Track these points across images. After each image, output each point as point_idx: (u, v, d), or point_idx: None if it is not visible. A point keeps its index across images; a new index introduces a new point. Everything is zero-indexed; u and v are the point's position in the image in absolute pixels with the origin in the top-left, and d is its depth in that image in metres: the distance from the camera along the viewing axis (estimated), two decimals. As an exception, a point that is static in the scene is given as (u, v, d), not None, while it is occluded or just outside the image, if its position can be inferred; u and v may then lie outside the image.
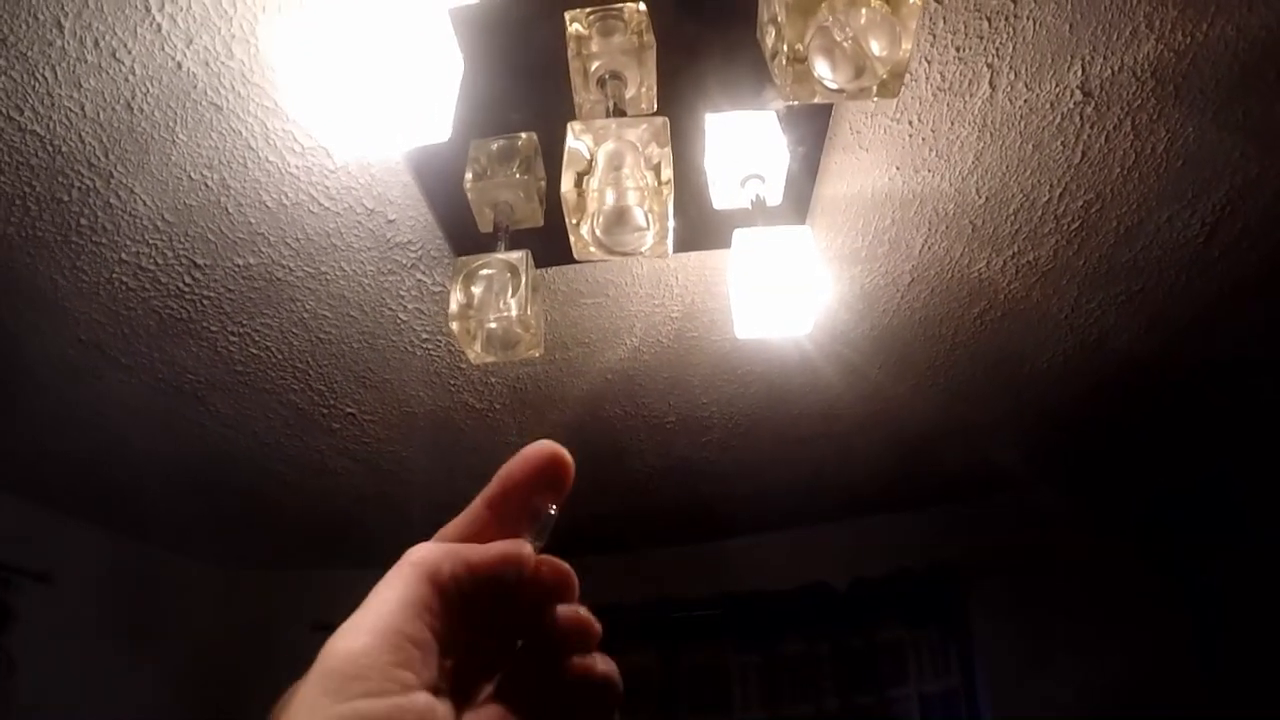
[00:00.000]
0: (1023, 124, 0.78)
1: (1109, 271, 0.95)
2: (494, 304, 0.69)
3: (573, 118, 0.67)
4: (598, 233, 0.58)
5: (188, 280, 0.89)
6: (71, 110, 0.70)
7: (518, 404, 1.18)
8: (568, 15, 0.66)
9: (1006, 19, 0.69)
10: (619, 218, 0.57)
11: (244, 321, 0.96)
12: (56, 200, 0.77)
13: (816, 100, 0.51)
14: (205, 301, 0.92)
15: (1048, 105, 0.76)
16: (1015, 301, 0.99)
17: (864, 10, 0.50)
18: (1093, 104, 0.77)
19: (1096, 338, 1.06)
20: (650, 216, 0.57)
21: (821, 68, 0.52)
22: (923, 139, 0.79)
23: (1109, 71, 0.74)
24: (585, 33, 0.66)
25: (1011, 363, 1.11)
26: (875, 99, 0.51)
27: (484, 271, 0.70)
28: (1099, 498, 1.54)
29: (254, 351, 1.00)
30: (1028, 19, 0.70)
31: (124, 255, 0.85)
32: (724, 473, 1.41)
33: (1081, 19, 0.70)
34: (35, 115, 0.70)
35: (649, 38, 0.64)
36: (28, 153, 0.73)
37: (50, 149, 0.73)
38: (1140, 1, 0.70)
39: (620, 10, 0.65)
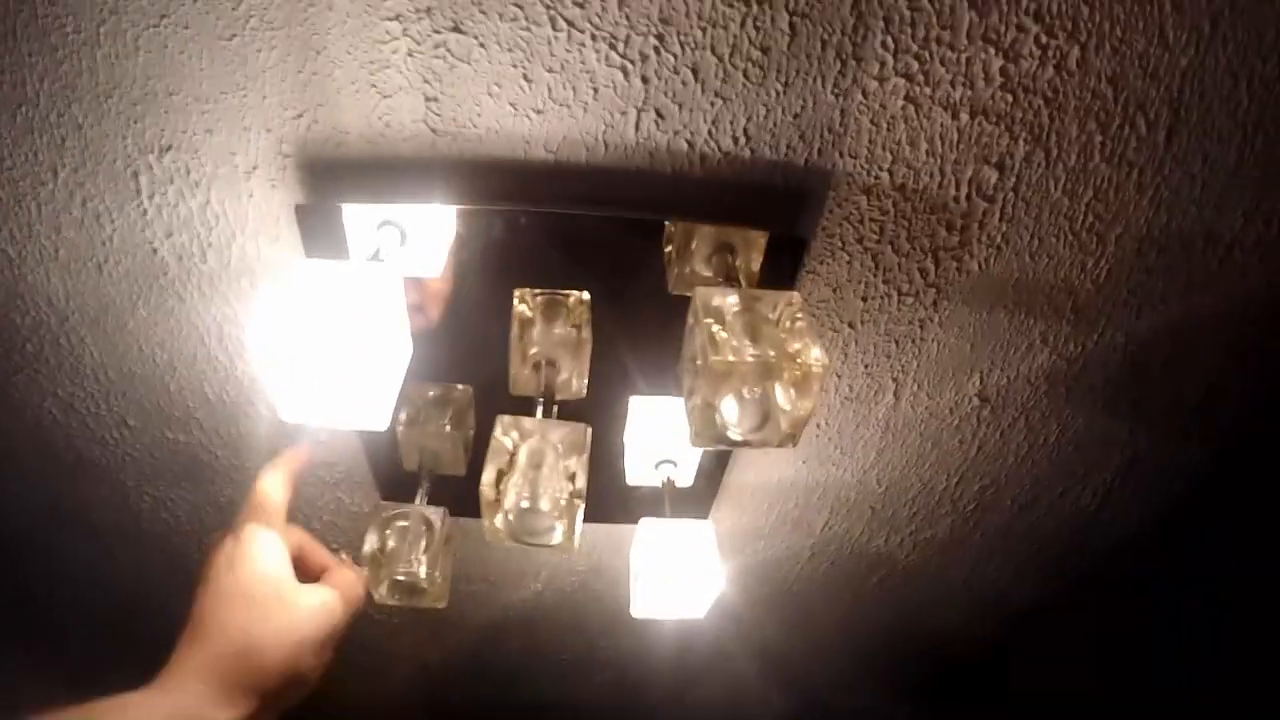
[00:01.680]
0: (923, 426, 0.85)
1: (1005, 541, 1.00)
2: (405, 555, 0.71)
3: (506, 384, 0.72)
4: (511, 525, 0.61)
5: (115, 435, 0.89)
6: (45, 248, 0.72)
7: (416, 622, 1.18)
8: (516, 294, 0.71)
9: (913, 341, 0.77)
10: (531, 516, 0.61)
11: (160, 487, 0.95)
12: (8, 317, 0.78)
13: (720, 447, 0.57)
14: (127, 458, 0.91)
15: (947, 410, 0.83)
16: (913, 570, 1.03)
17: (776, 378, 0.56)
18: (989, 407, 0.84)
19: (994, 597, 1.10)
20: (560, 520, 0.60)
21: (729, 411, 0.58)
22: (829, 439, 0.85)
23: (1005, 380, 0.82)
24: (530, 315, 0.71)
25: (910, 621, 1.14)
26: (776, 447, 0.57)
27: (400, 523, 0.72)
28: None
29: (164, 516, 0.99)
30: (932, 341, 0.77)
31: (59, 391, 0.84)
32: (615, 712, 1.41)
33: (982, 339, 0.78)
34: (10, 237, 0.72)
35: (587, 333, 0.70)
36: (-7, 265, 0.76)
37: (16, 272, 0.74)
38: (1036, 321, 0.78)
39: (566, 297, 0.71)
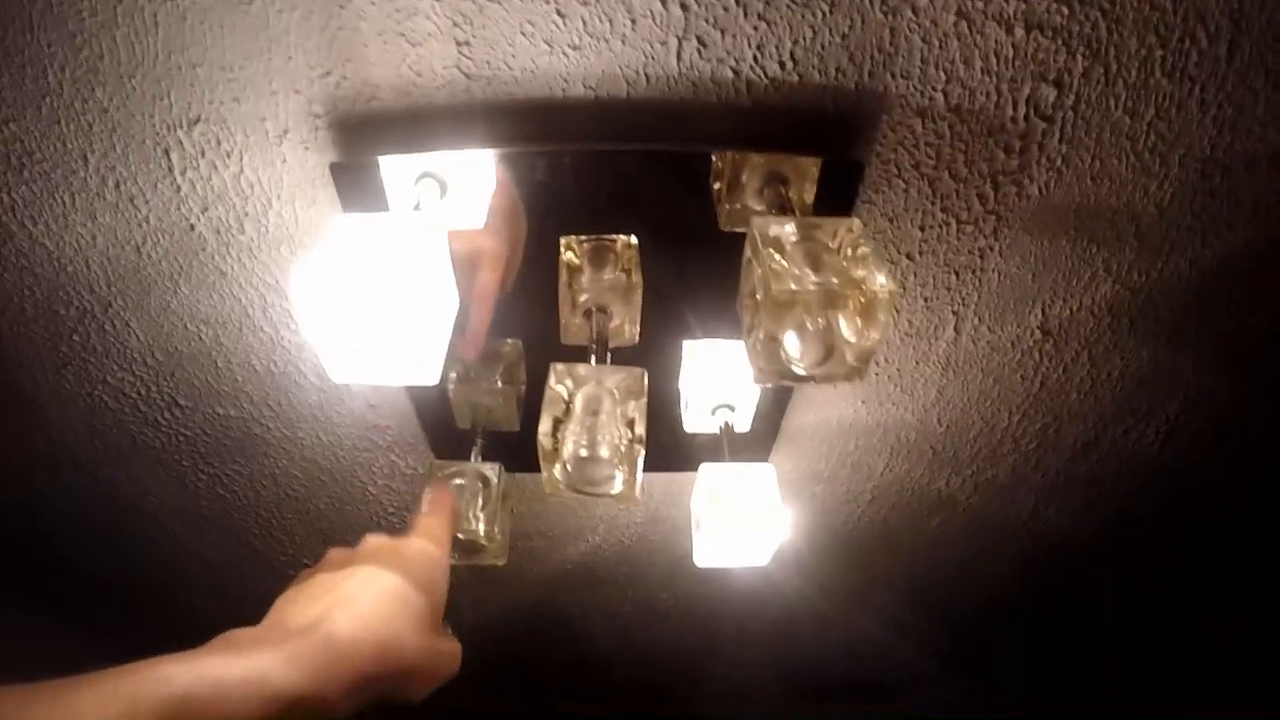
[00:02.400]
0: (985, 362, 0.81)
1: (1067, 483, 0.97)
2: (463, 514, 0.70)
3: (556, 335, 0.71)
4: (570, 474, 0.60)
5: (166, 416, 0.89)
6: (83, 237, 0.72)
7: (474, 580, 1.17)
8: (562, 241, 0.69)
9: (973, 272, 0.73)
10: (590, 465, 0.59)
11: (215, 464, 0.95)
12: (53, 310, 0.78)
13: (784, 383, 0.54)
14: (180, 438, 0.91)
15: (1009, 345, 0.80)
16: (974, 513, 1.00)
17: (840, 308, 0.53)
18: (1051, 341, 0.80)
19: (1055, 540, 1.07)
20: (620, 468, 0.59)
21: (791, 345, 0.55)
22: (888, 377, 0.82)
23: (1068, 312, 0.78)
24: (577, 263, 0.69)
25: (970, 567, 1.12)
26: (843, 382, 0.54)
27: (456, 481, 0.71)
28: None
29: (220, 492, 0.99)
30: (993, 271, 0.74)
31: (109, 378, 0.84)
32: (681, 658, 1.40)
33: (1044, 268, 0.74)
34: (48, 230, 0.71)
35: (637, 277, 0.68)
36: (34, 261, 0.74)
37: (56, 264, 0.74)
38: (1099, 249, 0.75)
39: (614, 242, 0.69)
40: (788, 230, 0.54)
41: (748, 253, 0.54)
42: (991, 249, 0.72)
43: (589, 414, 0.59)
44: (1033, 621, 1.27)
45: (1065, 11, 0.59)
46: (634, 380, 0.59)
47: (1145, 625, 1.29)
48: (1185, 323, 0.81)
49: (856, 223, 0.54)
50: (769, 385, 0.54)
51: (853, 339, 0.53)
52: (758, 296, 0.52)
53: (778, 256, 0.52)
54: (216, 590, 1.20)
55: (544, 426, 0.58)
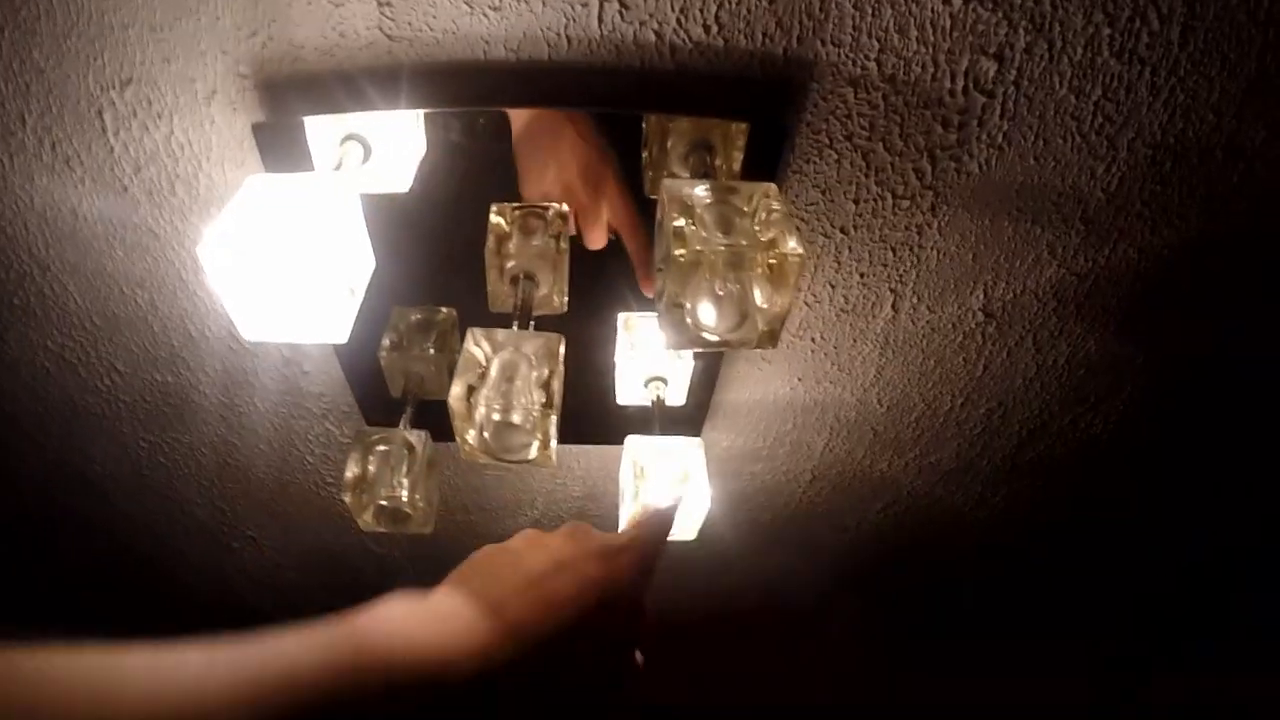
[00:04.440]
0: (925, 342, 0.79)
1: (1013, 469, 0.95)
2: (387, 480, 0.68)
3: (484, 303, 0.70)
4: (485, 440, 0.59)
5: (106, 382, 0.87)
6: (21, 199, 0.70)
7: (417, 554, 1.15)
8: (494, 208, 0.68)
9: (911, 249, 0.71)
10: (505, 430, 0.58)
11: (156, 432, 0.93)
12: None
13: (695, 350, 0.54)
14: (120, 405, 0.90)
15: (950, 325, 0.77)
16: (918, 498, 0.98)
17: (748, 270, 0.52)
18: (994, 324, 0.78)
19: (1000, 527, 1.05)
20: (535, 433, 0.58)
21: (705, 311, 0.54)
22: (825, 354, 0.80)
23: (1011, 295, 0.76)
24: (506, 229, 0.68)
25: (916, 551, 1.10)
26: (755, 348, 0.53)
27: (381, 447, 0.69)
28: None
29: (161, 460, 0.97)
30: (932, 249, 0.71)
31: (49, 343, 0.83)
32: None
33: (985, 248, 0.72)
34: None
35: (565, 244, 0.67)
36: (-27, 223, 0.73)
37: None
38: (1043, 231, 0.72)
39: (545, 210, 0.68)
40: (699, 192, 0.52)
41: (659, 215, 0.53)
42: (929, 225, 0.70)
43: (505, 380, 0.58)
44: (980, 608, 1.25)
45: None
46: (551, 345, 0.58)
47: (1095, 613, 1.28)
48: (1135, 312, 0.78)
49: (773, 187, 0.53)
50: (680, 351, 0.53)
51: (764, 304, 0.52)
52: (666, 260, 0.51)
53: (686, 219, 0.51)
54: (160, 559, 1.18)
55: (456, 390, 0.57)
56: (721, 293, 0.51)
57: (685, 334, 0.52)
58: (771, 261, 0.49)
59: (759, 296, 0.51)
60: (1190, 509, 1.05)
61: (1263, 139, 0.65)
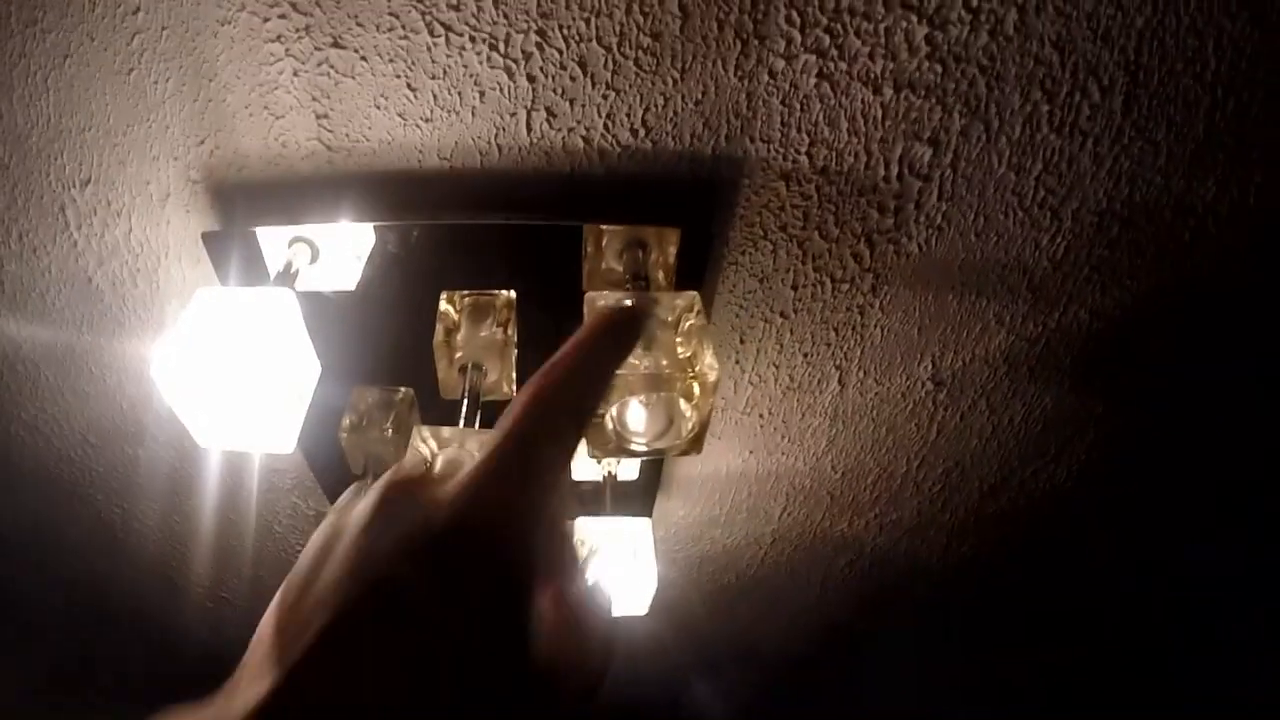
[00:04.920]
0: (875, 412, 0.81)
1: (977, 522, 0.96)
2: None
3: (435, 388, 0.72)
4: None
5: (79, 453, 0.90)
6: None
7: None
8: (443, 295, 0.71)
9: (853, 328, 0.72)
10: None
11: (129, 501, 0.96)
12: None
13: (621, 456, 0.56)
14: (94, 474, 0.93)
15: (899, 395, 0.79)
16: (882, 552, 1.00)
17: (668, 390, 0.55)
18: (945, 391, 0.79)
19: (970, 575, 1.06)
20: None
21: (635, 416, 0.57)
22: (774, 428, 0.82)
23: (960, 363, 0.77)
24: (455, 318, 0.70)
25: (884, 600, 1.11)
26: (681, 455, 0.56)
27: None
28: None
29: (136, 526, 1.01)
30: (875, 327, 0.72)
31: (23, 414, 0.86)
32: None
33: (930, 322, 0.73)
34: None
35: (512, 332, 0.69)
36: (-57, 304, 0.76)
37: None
38: (989, 302, 0.72)
39: (494, 297, 0.71)
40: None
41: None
42: (871, 305, 0.71)
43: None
44: (954, 651, 1.26)
45: (938, 69, 0.59)
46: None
47: (1066, 656, 1.28)
48: (1090, 369, 0.79)
49: (695, 296, 0.54)
50: (603, 458, 0.56)
51: (688, 413, 0.55)
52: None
53: (606, 336, 0.53)
54: (139, 621, 1.21)
55: (401, 490, 0.60)
56: (647, 402, 0.53)
57: (610, 442, 0.54)
58: (691, 382, 0.51)
59: (684, 405, 0.53)
60: (1158, 552, 1.06)
61: (1213, 195, 0.66)
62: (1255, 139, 0.62)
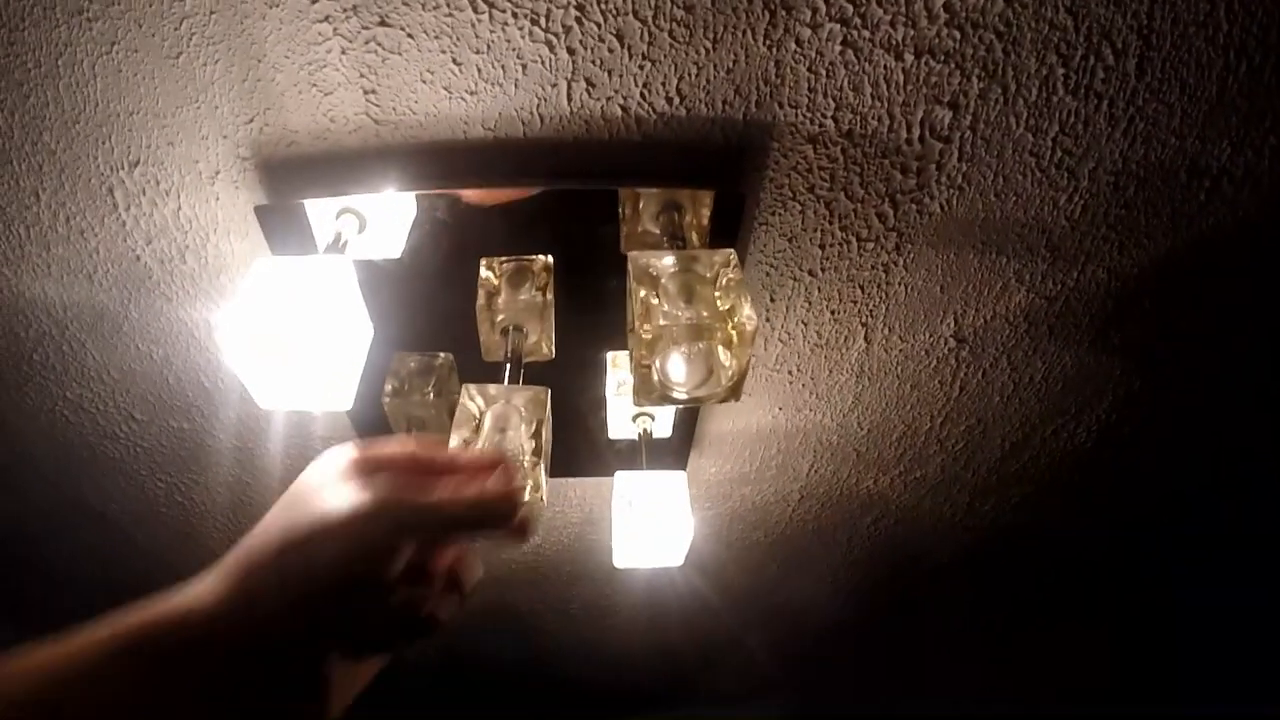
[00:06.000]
0: (899, 369, 0.84)
1: (999, 480, 1.00)
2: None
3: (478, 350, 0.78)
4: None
5: (124, 428, 0.94)
6: (38, 266, 0.78)
7: None
8: (483, 262, 0.76)
9: (879, 286, 0.76)
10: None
11: (173, 473, 1.01)
12: (13, 333, 0.84)
13: (664, 406, 0.61)
14: (139, 449, 0.97)
15: (923, 352, 0.83)
16: (907, 510, 1.04)
17: (709, 340, 0.60)
18: (967, 348, 0.83)
19: (993, 535, 1.11)
20: (526, 480, 0.66)
21: (675, 367, 0.62)
22: (803, 384, 0.86)
23: (982, 320, 0.81)
24: (495, 283, 0.76)
25: (910, 561, 1.16)
26: (721, 402, 0.61)
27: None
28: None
29: (179, 499, 1.05)
30: (900, 284, 0.76)
31: (68, 393, 0.90)
32: (629, 652, 1.47)
33: (952, 280, 0.77)
34: (5, 259, 0.78)
35: (550, 296, 0.74)
36: (-6, 285, 0.80)
37: (14, 291, 0.80)
38: (1009, 260, 0.76)
39: (531, 262, 0.76)
40: (666, 263, 0.60)
41: (629, 284, 0.61)
42: (895, 264, 0.75)
43: (497, 431, 0.66)
44: (974, 611, 1.31)
45: (957, 35, 0.63)
46: (540, 397, 0.66)
47: (1089, 614, 1.33)
48: (1108, 328, 0.83)
49: (732, 254, 0.59)
50: (648, 405, 0.61)
51: (727, 363, 0.60)
52: (632, 329, 0.59)
53: (650, 292, 0.58)
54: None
55: (454, 442, 0.66)
56: (691, 352, 0.59)
57: (654, 391, 0.59)
58: (731, 331, 0.57)
59: (723, 355, 0.59)
60: (1176, 509, 1.11)
61: (1227, 156, 0.70)
62: (1267, 103, 0.66)
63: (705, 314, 0.56)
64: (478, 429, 0.66)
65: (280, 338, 0.58)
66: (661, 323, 0.55)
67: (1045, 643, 1.37)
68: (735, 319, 0.56)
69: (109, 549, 1.17)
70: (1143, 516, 1.10)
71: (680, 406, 0.68)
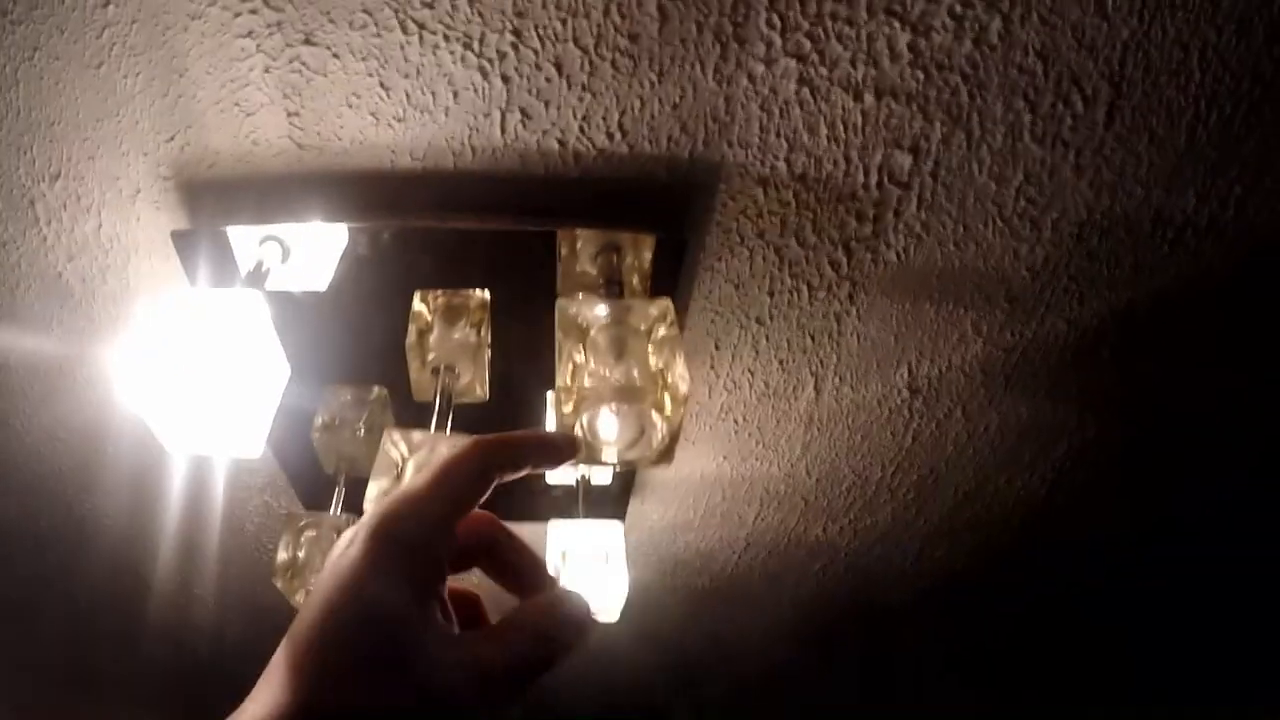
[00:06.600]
0: (850, 419, 0.80)
1: (951, 528, 0.96)
2: (317, 565, 0.71)
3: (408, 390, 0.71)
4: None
5: (48, 448, 0.88)
6: None
7: None
8: (417, 294, 0.70)
9: (830, 335, 0.71)
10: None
11: (99, 496, 0.94)
12: None
13: (592, 465, 0.55)
14: (63, 470, 0.91)
15: (875, 403, 0.78)
16: (857, 557, 0.99)
17: (640, 403, 0.54)
18: (920, 398, 0.78)
19: (945, 581, 1.06)
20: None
21: (606, 424, 0.56)
22: (749, 434, 0.81)
23: (936, 371, 0.76)
24: (428, 319, 0.69)
25: (860, 605, 1.11)
26: (652, 466, 0.55)
27: (310, 532, 0.71)
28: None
29: (106, 523, 0.99)
30: (851, 334, 0.71)
31: None
32: (573, 700, 1.37)
33: (907, 330, 0.72)
34: None
35: (486, 334, 0.68)
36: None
37: None
38: (966, 311, 0.71)
39: (467, 297, 0.70)
40: (597, 313, 0.53)
41: (556, 335, 0.55)
42: (848, 313, 0.70)
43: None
44: (927, 658, 1.26)
45: (920, 77, 0.58)
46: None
47: (1040, 660, 1.29)
48: (1065, 378, 0.79)
49: (667, 304, 0.54)
50: (574, 466, 0.55)
51: (658, 425, 0.54)
52: (558, 384, 0.53)
53: (578, 346, 0.52)
54: (111, 612, 1.19)
55: (371, 492, 0.59)
56: (618, 410, 0.53)
57: (579, 451, 0.53)
58: (664, 394, 0.51)
59: (654, 417, 0.53)
60: (1132, 556, 1.06)
61: (1192, 206, 0.66)
62: (1236, 152, 0.62)
63: (636, 374, 0.50)
64: (399, 478, 0.60)
65: (186, 377, 0.53)
66: (588, 384, 0.49)
67: (996, 689, 1.32)
68: (668, 379, 0.50)
69: (40, 570, 1.10)
70: (1097, 565, 1.06)
71: (599, 465, 0.62)
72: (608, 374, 0.50)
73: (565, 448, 0.36)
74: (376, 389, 0.75)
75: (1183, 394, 0.83)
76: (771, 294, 0.68)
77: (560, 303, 0.52)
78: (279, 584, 0.69)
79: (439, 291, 0.67)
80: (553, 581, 0.35)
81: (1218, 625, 1.20)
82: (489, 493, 0.32)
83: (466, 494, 0.32)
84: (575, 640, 0.32)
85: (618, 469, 0.53)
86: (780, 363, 0.73)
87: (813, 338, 0.71)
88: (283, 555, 0.69)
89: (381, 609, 0.28)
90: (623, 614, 0.74)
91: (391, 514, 0.30)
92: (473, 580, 0.36)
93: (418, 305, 0.67)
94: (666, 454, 0.53)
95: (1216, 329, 0.76)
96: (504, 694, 0.30)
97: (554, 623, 0.32)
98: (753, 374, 0.74)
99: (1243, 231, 0.68)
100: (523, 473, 0.34)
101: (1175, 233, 0.68)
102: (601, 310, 0.53)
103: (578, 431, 0.53)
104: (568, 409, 0.50)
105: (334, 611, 0.28)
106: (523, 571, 0.35)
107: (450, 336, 0.66)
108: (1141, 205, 0.66)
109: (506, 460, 0.33)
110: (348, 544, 0.30)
